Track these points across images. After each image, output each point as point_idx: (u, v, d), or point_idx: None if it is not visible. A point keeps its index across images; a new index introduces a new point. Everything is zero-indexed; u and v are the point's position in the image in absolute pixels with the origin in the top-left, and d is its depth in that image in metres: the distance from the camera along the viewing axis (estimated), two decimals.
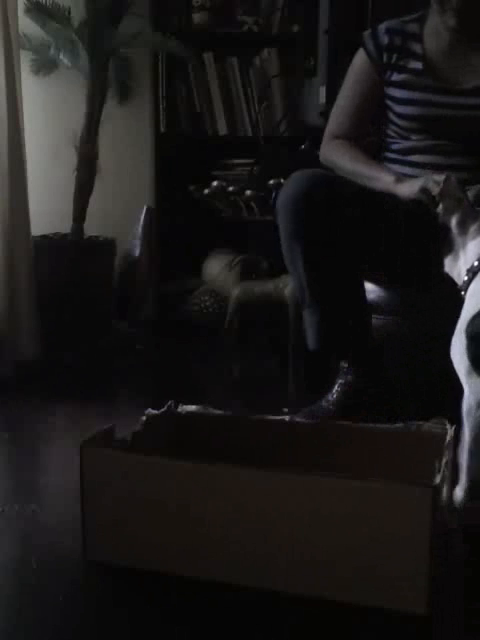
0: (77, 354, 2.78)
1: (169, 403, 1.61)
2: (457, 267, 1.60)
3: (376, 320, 2.08)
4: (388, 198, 1.97)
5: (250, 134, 3.22)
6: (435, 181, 1.80)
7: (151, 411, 1.55)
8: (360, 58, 2.12)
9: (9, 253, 2.64)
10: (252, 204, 2.72)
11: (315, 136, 2.23)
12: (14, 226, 2.65)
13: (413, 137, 2.08)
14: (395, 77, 2.08)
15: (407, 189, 1.91)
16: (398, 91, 2.07)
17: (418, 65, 2.06)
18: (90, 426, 1.47)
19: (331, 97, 2.26)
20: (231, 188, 2.73)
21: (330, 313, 1.99)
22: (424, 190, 1.84)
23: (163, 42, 2.91)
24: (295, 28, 3.14)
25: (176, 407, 1.62)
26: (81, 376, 2.65)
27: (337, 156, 2.12)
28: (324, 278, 1.96)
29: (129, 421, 1.53)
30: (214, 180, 2.78)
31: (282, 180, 2.59)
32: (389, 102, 2.10)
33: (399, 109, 2.08)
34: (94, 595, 1.32)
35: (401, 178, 1.98)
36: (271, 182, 2.65)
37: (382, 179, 2.00)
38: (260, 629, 1.21)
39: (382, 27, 2.10)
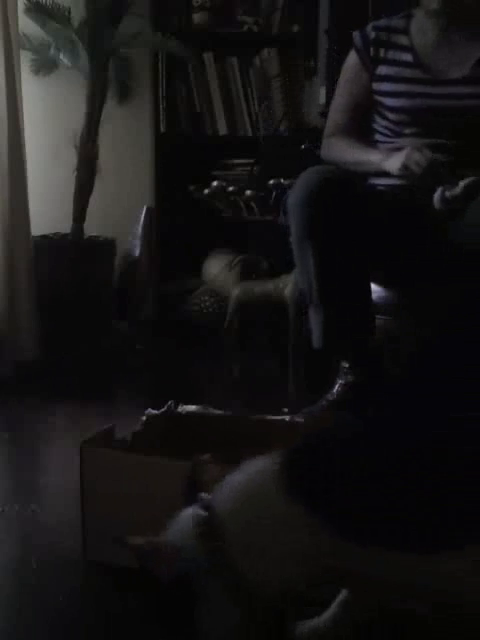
0: (77, 354, 2.78)
1: (169, 403, 1.61)
2: None
3: (376, 320, 2.08)
4: (398, 197, 1.98)
5: (250, 134, 3.22)
6: (415, 161, 1.90)
7: (151, 411, 1.55)
8: (351, 58, 2.16)
9: (9, 253, 2.65)
10: (252, 204, 2.72)
11: (315, 136, 2.23)
12: (14, 226, 2.65)
13: (405, 131, 2.08)
14: (385, 71, 2.10)
15: (392, 164, 1.97)
16: (388, 85, 2.09)
17: (407, 57, 2.08)
18: (90, 426, 1.47)
19: (331, 97, 2.26)
20: (231, 188, 2.73)
21: (337, 312, 1.99)
22: (405, 168, 1.91)
23: (163, 42, 2.91)
24: (295, 28, 3.14)
25: (176, 407, 1.62)
26: (81, 376, 2.65)
27: (335, 151, 2.15)
28: (334, 277, 1.96)
29: (129, 421, 1.53)
30: (214, 180, 2.78)
31: (282, 180, 2.59)
32: (379, 97, 2.11)
33: (389, 102, 2.09)
34: (94, 595, 1.32)
35: (389, 153, 2.01)
36: (271, 182, 2.65)
37: (372, 161, 2.03)
38: None
39: (369, 25, 2.15)
